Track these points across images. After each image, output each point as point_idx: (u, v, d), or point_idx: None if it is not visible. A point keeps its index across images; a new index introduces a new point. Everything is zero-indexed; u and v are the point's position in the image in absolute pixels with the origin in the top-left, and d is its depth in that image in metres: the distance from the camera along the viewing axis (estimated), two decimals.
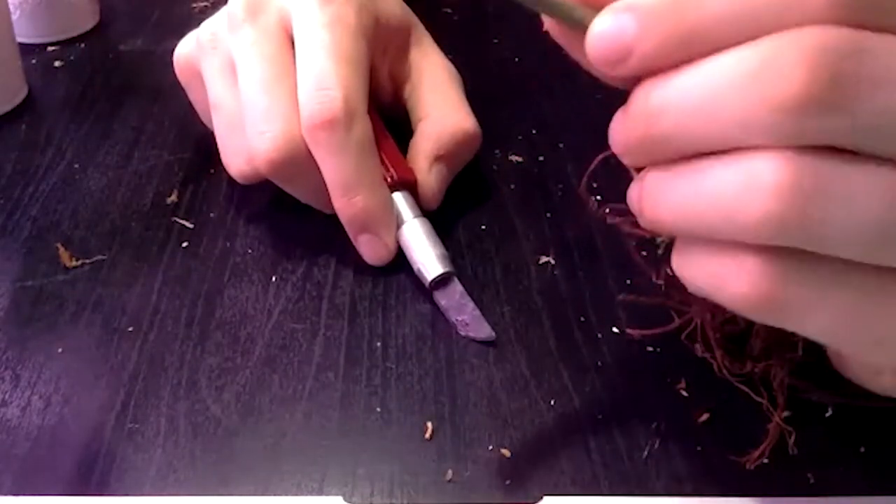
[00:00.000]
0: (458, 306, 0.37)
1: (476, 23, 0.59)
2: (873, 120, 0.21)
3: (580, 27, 0.24)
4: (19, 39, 0.52)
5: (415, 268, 0.38)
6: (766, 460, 0.31)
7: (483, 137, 0.43)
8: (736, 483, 0.31)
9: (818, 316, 0.23)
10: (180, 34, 0.44)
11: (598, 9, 0.24)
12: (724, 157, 0.23)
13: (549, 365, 0.35)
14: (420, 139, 0.42)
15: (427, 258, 0.38)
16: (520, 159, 0.46)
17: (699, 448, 0.32)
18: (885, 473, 0.31)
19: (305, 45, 0.38)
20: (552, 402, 0.34)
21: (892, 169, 0.22)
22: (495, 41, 0.57)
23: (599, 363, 0.35)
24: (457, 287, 0.38)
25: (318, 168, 0.38)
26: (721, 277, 0.24)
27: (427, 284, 0.37)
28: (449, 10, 0.60)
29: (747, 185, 0.22)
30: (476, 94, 0.44)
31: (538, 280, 0.39)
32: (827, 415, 0.33)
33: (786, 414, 0.31)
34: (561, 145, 0.47)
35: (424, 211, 0.40)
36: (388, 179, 0.39)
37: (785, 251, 0.22)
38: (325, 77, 0.37)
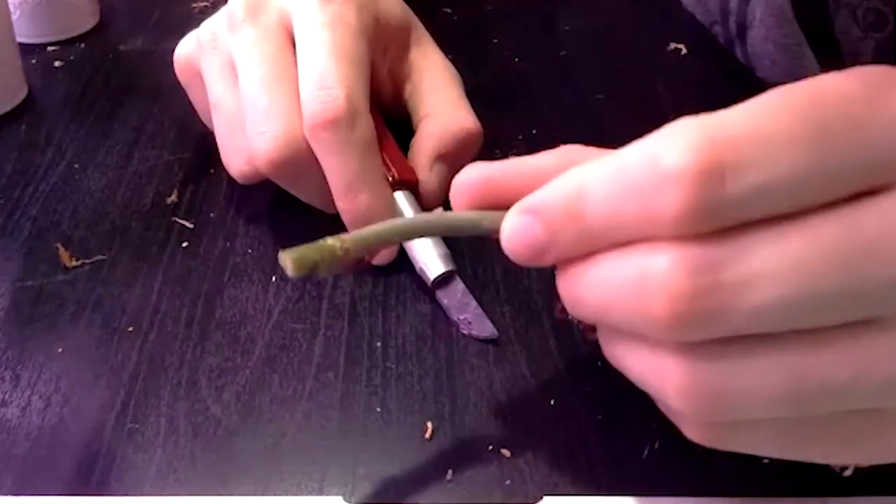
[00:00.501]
0: (461, 305, 0.37)
1: (476, 23, 0.59)
2: (744, 320, 0.22)
3: (492, 233, 0.27)
4: (19, 39, 0.52)
5: (417, 267, 0.38)
6: (766, 460, 0.31)
7: (483, 137, 0.42)
8: (736, 483, 0.31)
9: (764, 451, 0.25)
10: (180, 34, 0.44)
11: (498, 209, 0.27)
12: (639, 341, 0.25)
13: (549, 365, 0.35)
14: (422, 138, 0.42)
15: (429, 257, 0.38)
16: None
17: (699, 448, 0.32)
18: (884, 473, 0.31)
19: (306, 44, 0.38)
20: (552, 402, 0.34)
21: (782, 346, 0.23)
22: (495, 41, 0.56)
23: (599, 363, 0.35)
24: (459, 286, 0.38)
25: (320, 168, 0.38)
26: (673, 418, 0.26)
27: (429, 283, 0.38)
28: (449, 10, 0.60)
29: (658, 382, 0.24)
30: (476, 94, 0.44)
31: (538, 280, 0.39)
32: (848, 474, 0.32)
33: None
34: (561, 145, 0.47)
35: (426, 210, 0.40)
36: (390, 179, 0.39)
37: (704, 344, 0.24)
38: (326, 76, 0.37)
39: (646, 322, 0.23)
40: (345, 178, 0.37)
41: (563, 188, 0.25)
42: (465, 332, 0.36)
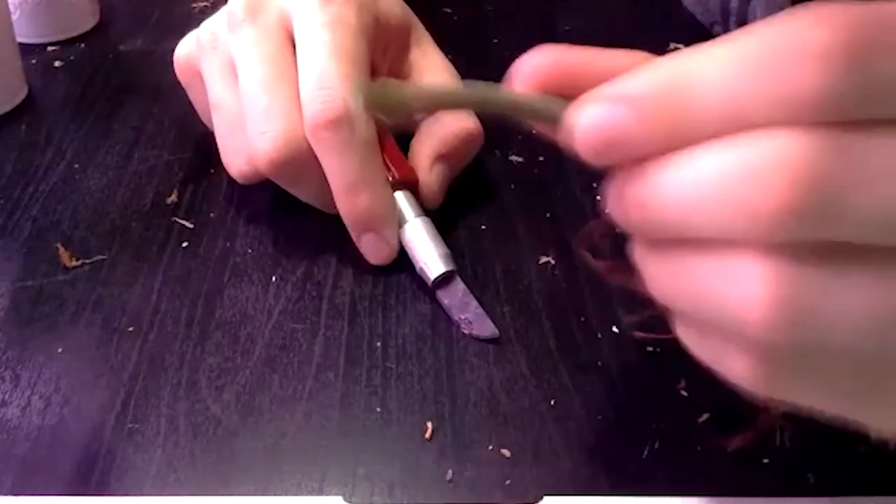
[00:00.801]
0: (462, 305, 0.37)
1: (476, 23, 0.59)
2: (864, 221, 0.20)
3: (556, 120, 0.24)
4: (19, 39, 0.52)
5: (417, 266, 0.38)
6: (766, 460, 0.31)
7: (483, 137, 0.42)
8: (736, 483, 0.31)
9: (819, 400, 0.23)
10: (180, 34, 0.44)
11: (569, 98, 0.24)
12: (719, 249, 0.22)
13: (549, 365, 0.35)
14: (422, 138, 0.42)
15: (430, 257, 0.38)
16: (520, 159, 0.46)
17: (699, 448, 0.32)
18: (885, 473, 0.31)
19: (306, 44, 0.38)
20: (552, 402, 0.34)
21: (883, 264, 0.20)
22: (495, 41, 0.56)
23: (599, 363, 0.35)
24: (459, 286, 0.38)
25: (320, 168, 0.38)
26: (723, 359, 0.23)
27: (430, 283, 0.38)
28: (449, 10, 0.60)
29: (738, 288, 0.21)
30: None
31: (538, 280, 0.39)
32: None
33: (785, 409, 0.31)
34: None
35: (426, 210, 0.40)
36: (390, 178, 0.39)
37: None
38: (327, 76, 0.37)
39: (749, 217, 0.20)
40: (346, 178, 0.37)
41: (666, 74, 0.22)
42: (466, 331, 0.36)
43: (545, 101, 0.25)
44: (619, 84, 0.23)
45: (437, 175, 0.41)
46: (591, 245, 0.29)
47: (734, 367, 0.23)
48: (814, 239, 0.20)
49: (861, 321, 0.21)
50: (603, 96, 0.23)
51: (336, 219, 0.39)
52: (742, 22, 0.52)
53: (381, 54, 0.42)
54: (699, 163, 0.21)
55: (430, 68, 0.44)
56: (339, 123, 0.36)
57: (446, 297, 0.37)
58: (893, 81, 0.19)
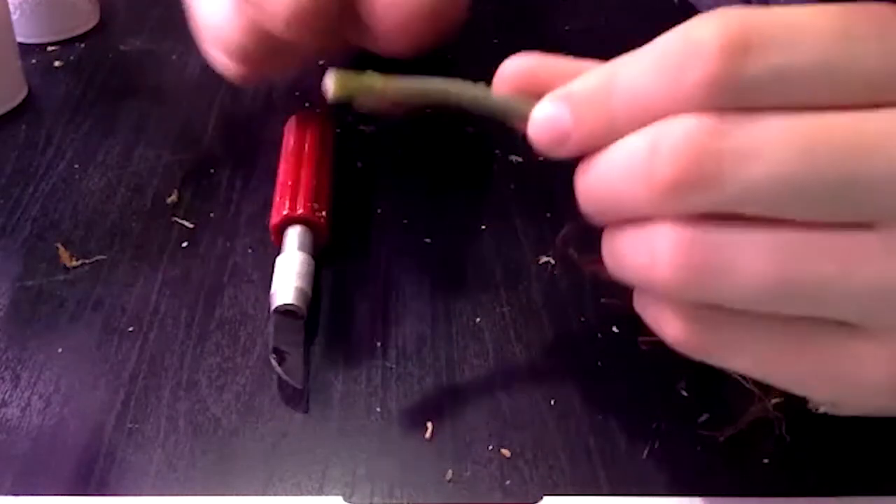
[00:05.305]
0: (288, 341, 0.35)
1: (476, 23, 0.59)
2: (743, 192, 0.23)
3: (523, 118, 0.27)
4: (19, 39, 0.52)
5: (272, 289, 0.36)
6: (766, 460, 0.31)
7: (483, 137, 0.43)
8: (736, 483, 0.31)
9: (739, 360, 0.26)
10: (180, 34, 0.44)
11: (536, 97, 0.27)
12: (641, 223, 0.25)
13: (548, 365, 0.35)
14: None
15: (287, 286, 0.36)
16: (520, 159, 0.46)
17: (699, 448, 0.32)
18: (885, 473, 0.31)
19: None
20: (552, 402, 0.34)
21: (776, 230, 0.23)
22: (495, 41, 0.57)
23: (599, 363, 0.35)
24: (300, 328, 0.36)
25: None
26: (658, 322, 0.26)
27: (272, 307, 0.36)
28: None
29: (652, 255, 0.24)
30: None
31: (538, 280, 0.39)
32: (822, 411, 0.32)
33: (776, 400, 0.31)
34: None
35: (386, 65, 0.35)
36: (299, 210, 0.39)
37: (701, 306, 0.24)
38: None
39: (650, 190, 0.24)
40: None
41: (596, 75, 0.26)
42: (273, 364, 0.34)
43: (515, 100, 0.28)
44: (565, 86, 0.26)
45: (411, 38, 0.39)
46: (569, 244, 0.30)
47: (667, 330, 0.26)
48: (707, 209, 0.23)
49: (753, 282, 0.23)
50: (551, 97, 0.26)
51: (333, 217, 0.39)
52: None
53: None
54: (619, 147, 0.25)
55: None
56: None
57: (277, 326, 0.35)
58: (764, 77, 0.22)
